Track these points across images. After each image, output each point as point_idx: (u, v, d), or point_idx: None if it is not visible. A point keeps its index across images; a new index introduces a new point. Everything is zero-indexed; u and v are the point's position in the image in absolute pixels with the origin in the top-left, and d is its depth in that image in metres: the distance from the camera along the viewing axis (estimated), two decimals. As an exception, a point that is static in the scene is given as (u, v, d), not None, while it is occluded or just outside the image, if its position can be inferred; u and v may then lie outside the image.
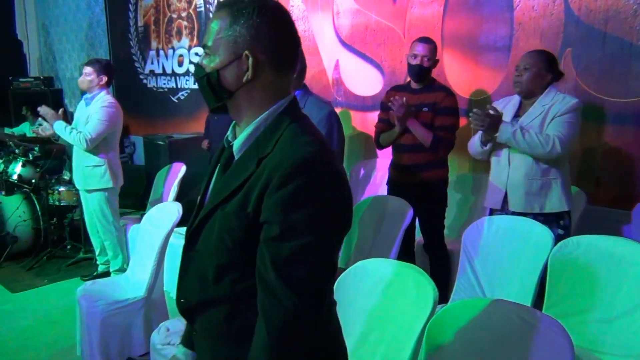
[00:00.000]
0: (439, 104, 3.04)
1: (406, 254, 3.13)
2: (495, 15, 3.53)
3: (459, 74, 3.73)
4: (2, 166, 4.71)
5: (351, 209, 1.14)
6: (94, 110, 3.88)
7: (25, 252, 4.66)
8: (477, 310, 1.74)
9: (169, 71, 6.23)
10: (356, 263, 2.13)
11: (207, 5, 5.60)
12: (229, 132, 1.21)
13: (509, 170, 2.69)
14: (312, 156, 1.05)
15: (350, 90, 4.47)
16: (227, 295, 1.13)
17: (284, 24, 1.14)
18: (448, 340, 1.72)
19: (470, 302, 1.85)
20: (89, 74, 3.92)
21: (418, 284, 1.91)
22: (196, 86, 5.39)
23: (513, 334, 1.65)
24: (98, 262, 4.27)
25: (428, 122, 3.05)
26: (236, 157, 1.15)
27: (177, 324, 2.47)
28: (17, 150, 4.68)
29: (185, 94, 6.05)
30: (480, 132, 2.73)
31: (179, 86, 6.12)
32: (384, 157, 4.23)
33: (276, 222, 1.02)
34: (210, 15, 5.52)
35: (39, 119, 5.77)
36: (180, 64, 6.04)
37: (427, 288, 1.87)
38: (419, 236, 3.34)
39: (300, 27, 4.77)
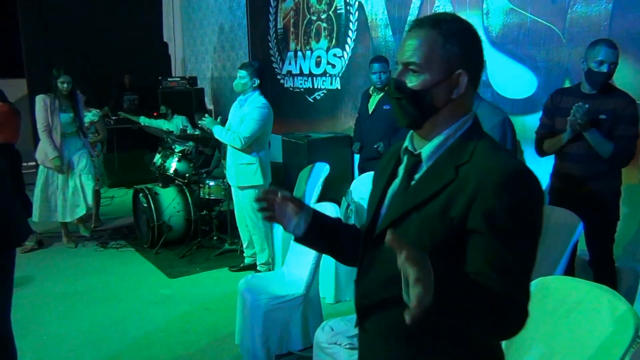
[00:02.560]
0: (620, 111, 2.81)
1: (566, 269, 2.94)
2: (679, 13, 3.21)
3: (630, 78, 3.43)
4: (161, 160, 5.13)
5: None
6: (248, 110, 4.10)
7: (177, 240, 5.04)
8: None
9: (306, 72, 6.41)
10: (536, 279, 2.03)
11: (348, 7, 5.67)
12: (407, 142, 1.25)
13: None
14: (522, 168, 1.11)
15: (498, 93, 4.30)
16: None
17: (481, 42, 1.21)
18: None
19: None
20: (243, 77, 4.15)
21: (613, 308, 1.78)
22: (333, 87, 5.43)
23: None
24: (245, 255, 4.52)
25: (605, 130, 2.84)
26: (426, 165, 1.20)
27: (340, 324, 2.53)
28: (174, 146, 5.07)
29: (322, 94, 6.19)
30: None
31: (315, 86, 6.27)
32: (532, 163, 4.02)
33: (494, 230, 1.06)
34: (351, 17, 5.59)
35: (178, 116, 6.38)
36: (318, 65, 6.18)
37: (626, 314, 1.73)
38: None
39: (445, 27, 4.67)
